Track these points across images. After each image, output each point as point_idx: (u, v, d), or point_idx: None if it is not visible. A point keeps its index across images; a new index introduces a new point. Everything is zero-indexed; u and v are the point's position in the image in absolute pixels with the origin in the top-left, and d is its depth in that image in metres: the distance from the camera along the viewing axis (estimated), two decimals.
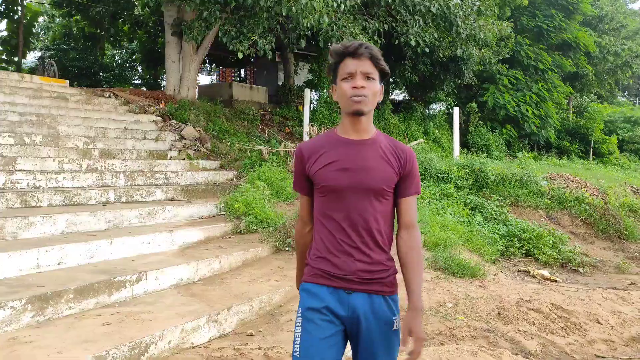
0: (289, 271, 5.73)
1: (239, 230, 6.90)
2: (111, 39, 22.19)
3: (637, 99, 47.76)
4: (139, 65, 26.11)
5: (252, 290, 4.98)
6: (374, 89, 2.10)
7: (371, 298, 2.09)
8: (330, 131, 2.25)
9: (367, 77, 2.08)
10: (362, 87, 2.06)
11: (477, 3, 13.56)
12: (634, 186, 14.19)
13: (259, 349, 3.95)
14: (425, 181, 10.03)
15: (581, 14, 23.65)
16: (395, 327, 2.12)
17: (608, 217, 10.00)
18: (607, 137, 23.51)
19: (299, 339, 2.08)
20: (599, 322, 5.82)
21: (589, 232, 9.85)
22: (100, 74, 22.26)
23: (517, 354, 4.65)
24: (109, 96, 11.73)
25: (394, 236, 2.23)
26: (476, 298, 5.79)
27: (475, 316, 5.43)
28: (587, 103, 27.68)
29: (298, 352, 2.06)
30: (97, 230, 5.61)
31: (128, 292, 4.44)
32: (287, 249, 6.57)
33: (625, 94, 46.46)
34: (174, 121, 10.98)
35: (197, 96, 13.18)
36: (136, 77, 26.30)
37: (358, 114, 2.10)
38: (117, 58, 27.57)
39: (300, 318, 2.11)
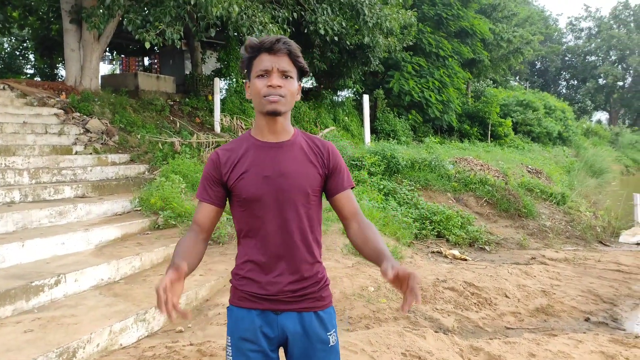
0: (213, 265, 5.69)
1: (157, 226, 6.75)
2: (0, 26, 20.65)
3: (527, 82, 50.98)
4: (32, 54, 24.48)
5: None
6: (292, 88, 1.91)
7: (301, 316, 1.93)
8: (246, 133, 2.03)
9: (285, 75, 1.89)
10: (278, 86, 1.86)
11: None
12: (529, 166, 15.21)
13: (191, 345, 3.93)
14: None
15: (477, 2, 24.81)
16: (331, 344, 1.97)
17: (509, 197, 10.67)
18: (503, 119, 24.91)
19: None
20: (506, 296, 6.25)
21: (493, 211, 10.47)
22: None
23: (437, 332, 4.91)
24: (4, 88, 10.97)
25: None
26: None
27: (396, 298, 5.65)
28: (484, 88, 29.20)
29: None
30: (5, 233, 5.30)
31: (47, 297, 4.25)
32: (209, 242, 6.50)
33: (517, 78, 49.46)
34: (78, 114, 10.45)
35: (100, 87, 12.59)
36: (29, 67, 24.65)
37: (274, 114, 1.89)
38: (6, 46, 25.74)
39: (231, 348, 1.93)
